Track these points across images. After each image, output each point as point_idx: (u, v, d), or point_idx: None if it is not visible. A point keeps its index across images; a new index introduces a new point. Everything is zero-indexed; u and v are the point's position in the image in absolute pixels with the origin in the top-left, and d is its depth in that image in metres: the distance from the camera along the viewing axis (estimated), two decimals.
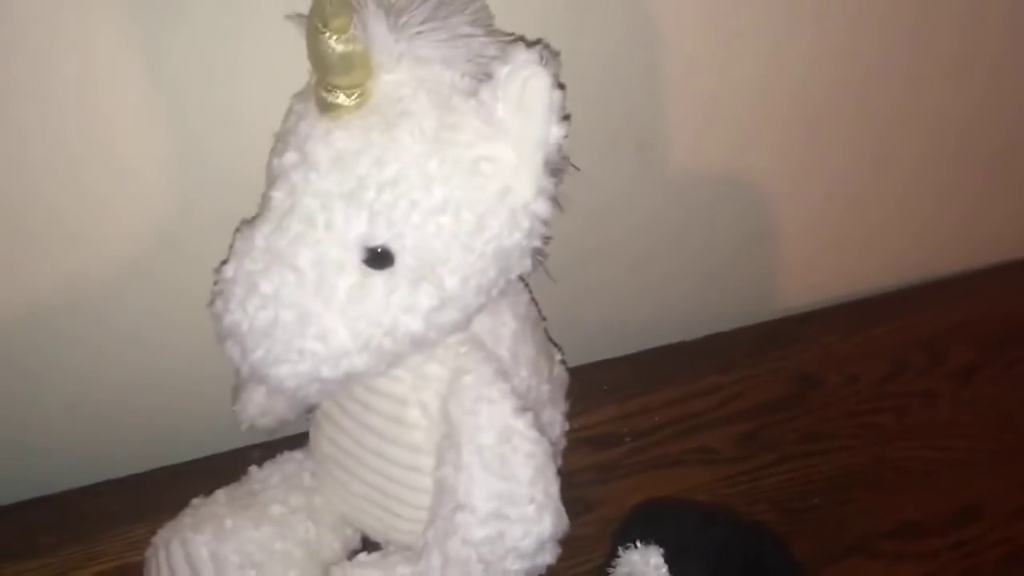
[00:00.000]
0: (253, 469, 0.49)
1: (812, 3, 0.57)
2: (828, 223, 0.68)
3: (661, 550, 0.39)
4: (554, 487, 0.42)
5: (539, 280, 0.46)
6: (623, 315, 0.66)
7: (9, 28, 0.43)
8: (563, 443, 0.51)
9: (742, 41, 0.57)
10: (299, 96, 0.41)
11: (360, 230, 0.37)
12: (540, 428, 0.42)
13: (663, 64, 0.56)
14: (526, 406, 0.42)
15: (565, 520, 0.42)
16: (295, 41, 0.41)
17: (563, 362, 0.53)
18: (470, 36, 0.39)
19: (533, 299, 0.49)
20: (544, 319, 0.51)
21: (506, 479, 0.40)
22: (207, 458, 0.56)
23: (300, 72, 0.41)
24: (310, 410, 0.49)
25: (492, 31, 0.41)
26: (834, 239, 0.69)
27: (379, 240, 0.38)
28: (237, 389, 0.50)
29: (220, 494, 0.47)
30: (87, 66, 0.45)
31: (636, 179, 0.60)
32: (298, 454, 0.50)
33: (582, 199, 0.56)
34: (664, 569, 0.38)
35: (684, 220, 0.64)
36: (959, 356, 0.66)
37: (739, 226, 0.66)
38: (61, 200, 0.49)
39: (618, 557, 0.41)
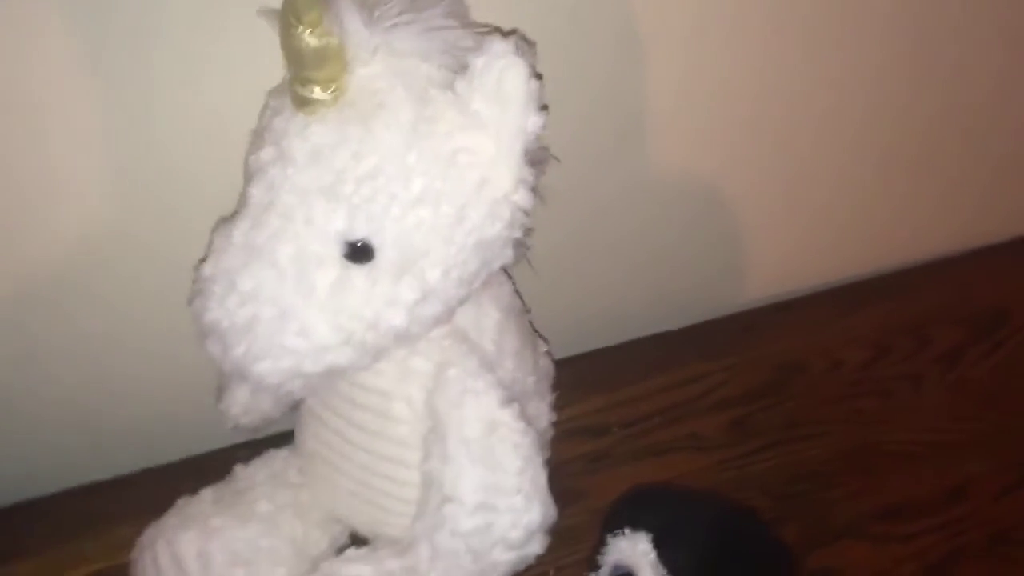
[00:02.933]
0: (239, 467, 0.49)
1: (807, 11, 0.58)
2: (811, 209, 0.69)
3: (649, 535, 0.39)
4: (541, 477, 0.42)
5: (525, 272, 0.46)
6: (609, 305, 0.67)
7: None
8: (550, 433, 0.51)
9: (733, 44, 0.58)
10: (274, 92, 0.41)
11: (339, 225, 0.37)
12: (526, 419, 0.42)
13: (651, 57, 0.56)
14: (511, 397, 0.42)
15: (553, 510, 0.42)
16: (262, 37, 0.41)
17: (548, 353, 0.53)
18: (445, 28, 0.39)
19: (517, 290, 0.49)
20: (529, 310, 0.51)
21: (493, 470, 0.41)
22: (193, 458, 0.55)
23: (267, 68, 0.41)
24: (295, 408, 0.49)
25: (468, 23, 0.41)
26: (817, 225, 0.70)
27: (359, 234, 0.38)
28: (221, 389, 0.50)
29: (206, 493, 0.47)
30: (47, 59, 0.45)
31: (620, 171, 0.60)
32: (284, 452, 0.50)
33: (568, 191, 0.56)
34: (652, 555, 0.38)
35: (668, 210, 0.64)
36: (943, 339, 0.66)
37: (723, 214, 0.66)
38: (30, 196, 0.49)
39: (606, 545, 0.41)
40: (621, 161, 0.60)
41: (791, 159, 0.65)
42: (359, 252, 0.38)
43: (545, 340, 0.53)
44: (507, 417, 0.41)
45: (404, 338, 0.40)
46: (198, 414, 0.53)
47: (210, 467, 0.50)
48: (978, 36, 0.65)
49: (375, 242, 0.38)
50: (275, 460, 0.49)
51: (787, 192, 0.67)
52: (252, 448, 0.51)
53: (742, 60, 0.59)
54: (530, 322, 0.51)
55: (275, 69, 0.41)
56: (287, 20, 0.36)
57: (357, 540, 0.48)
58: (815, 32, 0.59)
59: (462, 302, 0.41)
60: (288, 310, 0.37)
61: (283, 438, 0.51)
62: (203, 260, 0.39)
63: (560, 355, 0.57)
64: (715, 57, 0.58)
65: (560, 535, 0.44)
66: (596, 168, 0.59)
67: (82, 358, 0.54)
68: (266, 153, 0.38)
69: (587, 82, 0.55)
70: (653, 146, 0.60)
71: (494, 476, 0.41)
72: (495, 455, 0.41)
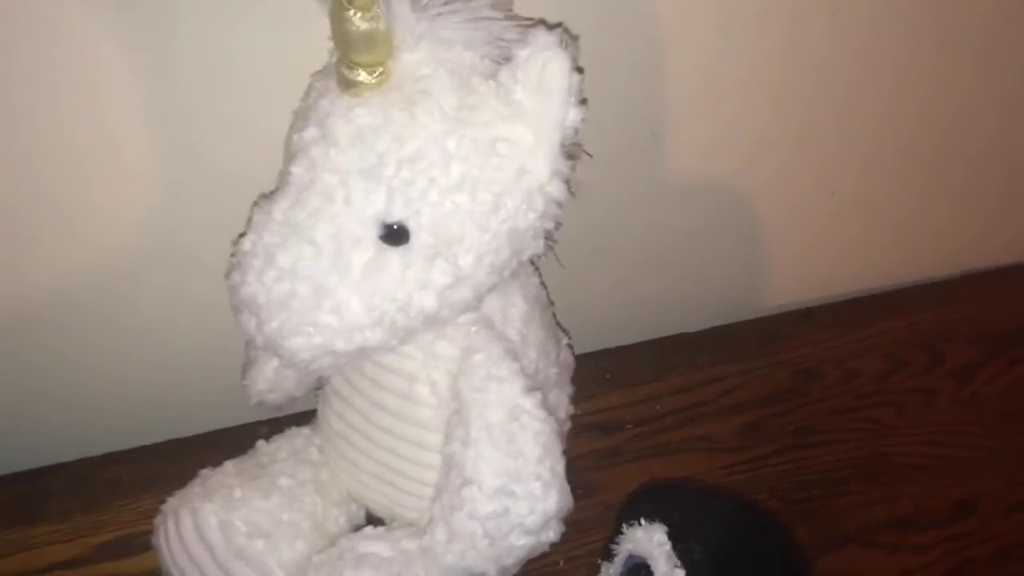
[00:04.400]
0: (261, 443, 0.49)
1: (827, 16, 0.58)
2: (833, 221, 0.69)
3: (665, 527, 0.39)
4: (560, 466, 0.42)
5: (549, 267, 0.47)
6: (629, 305, 0.67)
7: (10, 30, 0.44)
8: (568, 426, 0.52)
9: (757, 46, 0.58)
10: (319, 74, 0.42)
11: (378, 206, 0.38)
12: (548, 408, 0.43)
13: (679, 62, 0.57)
14: (534, 386, 0.43)
15: (570, 498, 0.43)
16: (299, 42, 0.43)
17: (570, 346, 0.53)
18: (491, 19, 0.40)
19: (543, 283, 0.50)
20: (552, 304, 0.52)
21: (513, 456, 0.41)
22: (215, 432, 0.56)
23: (301, 71, 0.42)
24: (317, 387, 0.50)
25: (512, 15, 0.42)
26: (838, 236, 0.70)
27: (396, 217, 0.38)
28: (246, 365, 0.50)
29: (229, 465, 0.47)
30: (88, 65, 0.46)
31: (646, 173, 0.61)
32: (305, 430, 0.50)
33: (594, 190, 0.57)
34: (667, 546, 0.39)
35: (692, 214, 0.64)
36: (959, 355, 0.67)
37: (745, 221, 0.67)
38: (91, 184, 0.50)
39: (622, 534, 0.42)
40: (649, 165, 0.61)
41: (817, 173, 0.66)
42: (395, 234, 0.38)
43: (567, 333, 0.54)
44: (529, 405, 0.42)
45: (433, 321, 0.41)
46: (222, 389, 0.53)
47: (232, 441, 0.51)
48: (1001, 41, 0.65)
49: (411, 225, 0.38)
50: (297, 437, 0.49)
51: (811, 204, 0.67)
52: (273, 425, 0.52)
53: (764, 60, 0.59)
54: (553, 315, 0.52)
55: (306, 66, 0.42)
56: (339, 3, 0.36)
57: (373, 520, 0.49)
58: (836, 37, 0.59)
59: (491, 290, 0.42)
60: (323, 287, 0.38)
61: (304, 417, 0.51)
62: (242, 235, 0.39)
63: (579, 351, 0.57)
64: (738, 56, 0.58)
65: (571, 527, 0.45)
66: (619, 166, 0.59)
67: (114, 332, 0.55)
68: (309, 133, 0.39)
69: (610, 80, 0.55)
70: (680, 153, 0.61)
71: (514, 462, 0.41)
72: (516, 441, 0.41)
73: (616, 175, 0.59)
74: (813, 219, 0.69)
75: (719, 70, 0.58)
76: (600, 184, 0.57)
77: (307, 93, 0.42)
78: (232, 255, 0.40)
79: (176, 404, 0.58)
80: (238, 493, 0.45)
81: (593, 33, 0.51)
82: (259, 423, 0.54)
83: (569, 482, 0.43)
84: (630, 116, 0.58)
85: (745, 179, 0.64)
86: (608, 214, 0.61)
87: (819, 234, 0.70)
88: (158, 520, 0.45)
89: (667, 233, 0.65)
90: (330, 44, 0.40)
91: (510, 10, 0.42)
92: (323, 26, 0.38)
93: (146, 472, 0.53)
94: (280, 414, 0.53)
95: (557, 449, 0.42)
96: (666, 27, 0.55)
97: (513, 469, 0.41)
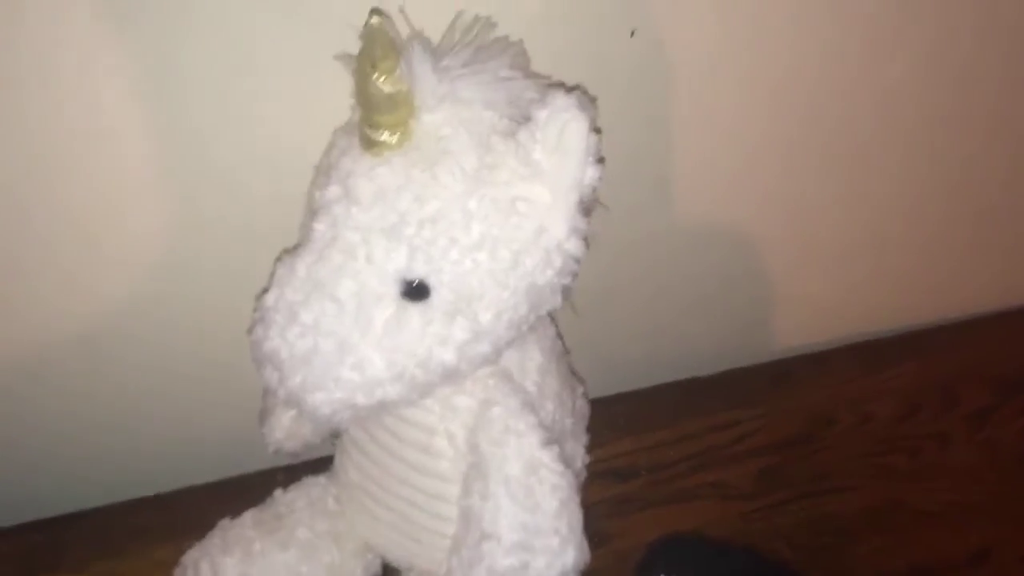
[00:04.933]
0: (279, 492, 0.50)
1: (843, 71, 0.59)
2: (846, 264, 0.69)
3: None
4: (577, 520, 0.42)
5: (560, 312, 0.47)
6: (641, 350, 0.67)
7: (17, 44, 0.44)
8: (584, 475, 0.52)
9: (777, 98, 0.59)
10: (340, 131, 0.43)
11: (399, 264, 0.39)
12: (565, 460, 0.43)
13: (698, 114, 0.58)
14: (552, 439, 0.43)
15: (587, 552, 0.43)
16: (315, 102, 0.43)
17: (585, 395, 0.54)
18: (510, 79, 0.40)
19: (559, 333, 0.50)
20: (568, 352, 0.52)
21: (532, 510, 0.41)
22: (232, 479, 0.56)
23: (323, 125, 0.43)
24: (335, 435, 0.50)
25: (530, 75, 0.42)
26: (852, 279, 0.70)
27: (417, 274, 0.39)
28: (264, 413, 0.51)
29: (247, 516, 0.47)
30: (101, 83, 0.46)
31: (657, 219, 0.61)
32: (322, 479, 0.50)
33: (602, 235, 0.57)
34: None
35: (703, 259, 0.65)
36: (973, 399, 0.66)
37: (757, 265, 0.67)
38: (90, 228, 0.51)
39: None
40: (659, 211, 0.61)
41: (831, 217, 0.66)
42: (416, 291, 0.39)
43: (582, 382, 0.54)
44: (547, 458, 0.42)
45: (452, 376, 0.41)
46: (239, 436, 0.54)
47: (248, 488, 0.51)
48: (1018, 87, 0.65)
49: (432, 282, 0.39)
50: (314, 487, 0.50)
51: (824, 247, 0.68)
52: (290, 472, 0.52)
53: (780, 112, 0.60)
54: (568, 364, 0.52)
55: (334, 107, 0.43)
56: (363, 66, 0.37)
57: (389, 570, 0.49)
58: (853, 88, 0.60)
59: (510, 344, 0.42)
60: (346, 343, 0.38)
61: (320, 464, 0.52)
62: (265, 290, 0.40)
63: (591, 396, 0.57)
64: (755, 108, 0.59)
65: None
66: (632, 213, 0.60)
67: (132, 377, 0.55)
68: (332, 191, 0.40)
69: (623, 130, 0.55)
70: (691, 197, 0.61)
71: (532, 516, 0.41)
72: (534, 496, 0.41)
73: (629, 221, 0.59)
74: (825, 262, 0.69)
75: (738, 121, 0.59)
76: (613, 230, 0.57)
77: (329, 150, 0.42)
78: (255, 310, 0.40)
79: (194, 450, 0.58)
80: (257, 546, 0.45)
81: (612, 88, 0.52)
82: (276, 469, 0.54)
83: (584, 532, 0.43)
84: (645, 163, 0.59)
85: (758, 223, 0.65)
86: (620, 258, 0.61)
87: (831, 276, 0.70)
88: (178, 572, 0.46)
89: (676, 276, 0.65)
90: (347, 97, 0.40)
91: (527, 70, 0.43)
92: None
93: (164, 519, 0.53)
94: (296, 461, 0.53)
95: (575, 503, 0.43)
96: (684, 78, 0.56)
97: (531, 523, 0.41)
